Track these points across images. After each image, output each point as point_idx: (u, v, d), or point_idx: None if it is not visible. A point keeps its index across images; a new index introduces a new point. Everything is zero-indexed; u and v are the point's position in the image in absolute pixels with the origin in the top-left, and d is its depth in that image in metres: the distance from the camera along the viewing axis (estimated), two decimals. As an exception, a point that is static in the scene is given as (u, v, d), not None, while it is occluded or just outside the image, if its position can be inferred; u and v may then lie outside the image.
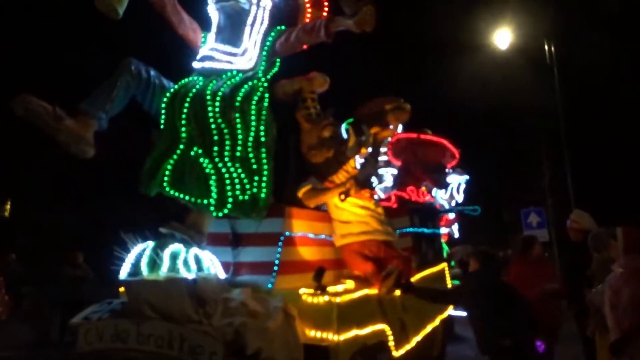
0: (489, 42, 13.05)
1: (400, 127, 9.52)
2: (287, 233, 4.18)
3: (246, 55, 4.29)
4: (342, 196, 4.54)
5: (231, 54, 4.26)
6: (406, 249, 5.82)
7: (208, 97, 3.99)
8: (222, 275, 3.79)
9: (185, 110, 3.97)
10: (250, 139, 4.05)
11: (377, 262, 4.78)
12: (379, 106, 5.39)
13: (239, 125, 4.03)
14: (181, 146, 3.94)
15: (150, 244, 3.56)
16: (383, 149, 11.24)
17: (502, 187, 16.14)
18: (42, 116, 3.38)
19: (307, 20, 4.69)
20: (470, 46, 13.94)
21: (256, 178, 4.00)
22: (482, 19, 13.48)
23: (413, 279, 5.58)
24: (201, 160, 3.89)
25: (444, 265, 7.08)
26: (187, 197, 3.85)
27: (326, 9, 4.71)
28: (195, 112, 3.98)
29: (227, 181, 3.91)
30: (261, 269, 4.01)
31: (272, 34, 4.43)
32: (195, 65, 4.24)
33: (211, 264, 3.66)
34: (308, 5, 4.72)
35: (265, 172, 4.04)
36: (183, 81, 4.11)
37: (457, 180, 11.30)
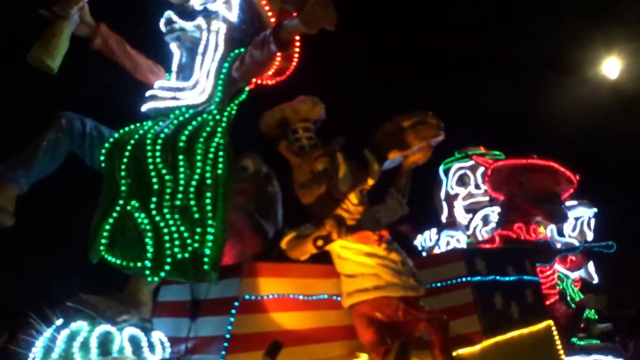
0: (598, 71, 12.38)
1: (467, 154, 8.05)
2: (247, 296, 3.26)
3: (197, 88, 3.68)
4: (320, 242, 3.50)
5: (178, 89, 3.68)
6: (464, 306, 4.39)
7: (148, 141, 3.42)
8: (153, 357, 3.00)
9: (125, 160, 3.43)
10: (194, 183, 3.34)
11: (388, 327, 3.56)
12: (396, 125, 4.30)
13: (182, 169, 3.37)
14: (120, 202, 3.37)
15: (59, 323, 2.95)
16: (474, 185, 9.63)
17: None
18: None
19: None
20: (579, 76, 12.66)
21: (198, 230, 3.24)
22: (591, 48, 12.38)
23: (477, 348, 4.15)
24: (136, 215, 3.27)
25: (547, 323, 5.31)
26: (118, 261, 3.22)
27: None
28: (135, 160, 3.42)
29: (166, 237, 3.21)
30: (212, 346, 3.13)
31: (228, 59, 3.77)
32: (143, 108, 3.74)
33: (129, 343, 2.90)
34: (274, 20, 4.00)
35: (210, 222, 3.26)
36: (126, 128, 3.62)
37: (586, 214, 9.09)
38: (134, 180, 3.39)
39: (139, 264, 3.18)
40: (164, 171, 3.36)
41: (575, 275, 8.76)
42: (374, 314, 3.59)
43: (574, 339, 8.04)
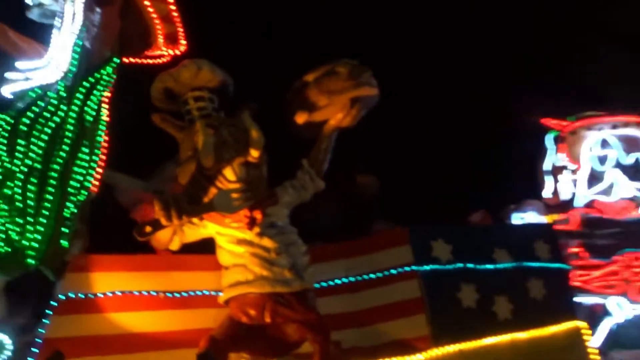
0: None
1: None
2: (71, 294, 2.82)
3: (52, 64, 3.35)
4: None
5: (32, 69, 3.38)
6: (408, 302, 3.41)
7: None
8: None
9: None
10: (24, 169, 3.01)
11: (253, 332, 2.83)
12: (301, 81, 3.50)
13: (18, 154, 3.07)
14: None
15: None
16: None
17: None
18: None
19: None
20: None
21: (20, 221, 2.90)
22: None
23: (418, 358, 3.23)
24: (-25, 207, 3.05)
25: (572, 325, 3.96)
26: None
27: None
28: None
29: (0, 228, 2.94)
30: (24, 353, 2.74)
31: (83, 28, 3.36)
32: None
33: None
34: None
35: (30, 212, 2.90)
36: None
37: None
38: (-19, 171, 3.18)
39: (-34, 260, 2.96)
40: (4, 158, 3.10)
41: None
42: (238, 315, 2.89)
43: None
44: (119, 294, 2.94)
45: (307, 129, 3.59)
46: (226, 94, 3.65)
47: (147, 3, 3.47)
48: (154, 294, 3.03)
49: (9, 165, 3.06)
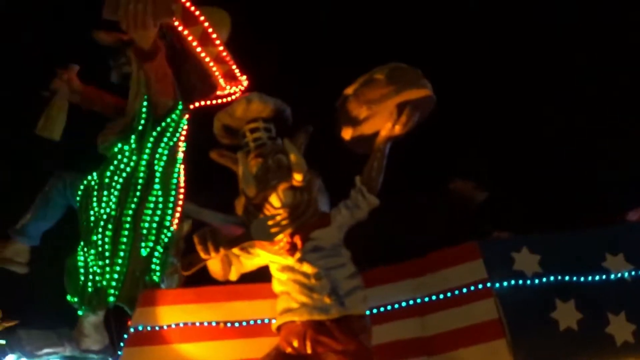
0: None
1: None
2: (140, 327, 3.05)
3: (127, 118, 3.78)
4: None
5: (113, 127, 3.84)
6: (484, 325, 2.93)
7: (92, 183, 3.70)
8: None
9: (83, 203, 3.79)
10: (105, 217, 3.43)
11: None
12: (342, 96, 3.34)
13: (103, 205, 3.52)
14: (80, 242, 3.74)
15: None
16: None
17: None
18: None
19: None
20: None
21: (100, 263, 3.28)
22: None
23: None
24: (79, 252, 3.57)
25: None
26: (68, 297, 3.54)
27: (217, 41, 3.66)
28: (87, 200, 3.74)
29: (86, 272, 3.39)
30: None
31: (144, 83, 3.72)
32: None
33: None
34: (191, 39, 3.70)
35: (106, 255, 3.27)
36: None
37: None
38: (84, 220, 3.71)
39: (74, 299, 3.45)
40: (95, 209, 3.57)
41: None
42: (284, 346, 2.80)
43: None
44: (182, 325, 3.12)
45: (358, 144, 3.42)
46: (283, 120, 3.66)
47: (198, 50, 3.72)
48: (214, 324, 3.15)
49: (97, 215, 3.53)
